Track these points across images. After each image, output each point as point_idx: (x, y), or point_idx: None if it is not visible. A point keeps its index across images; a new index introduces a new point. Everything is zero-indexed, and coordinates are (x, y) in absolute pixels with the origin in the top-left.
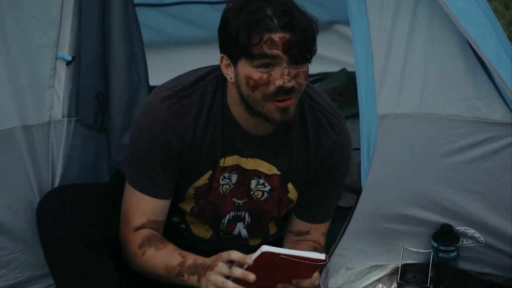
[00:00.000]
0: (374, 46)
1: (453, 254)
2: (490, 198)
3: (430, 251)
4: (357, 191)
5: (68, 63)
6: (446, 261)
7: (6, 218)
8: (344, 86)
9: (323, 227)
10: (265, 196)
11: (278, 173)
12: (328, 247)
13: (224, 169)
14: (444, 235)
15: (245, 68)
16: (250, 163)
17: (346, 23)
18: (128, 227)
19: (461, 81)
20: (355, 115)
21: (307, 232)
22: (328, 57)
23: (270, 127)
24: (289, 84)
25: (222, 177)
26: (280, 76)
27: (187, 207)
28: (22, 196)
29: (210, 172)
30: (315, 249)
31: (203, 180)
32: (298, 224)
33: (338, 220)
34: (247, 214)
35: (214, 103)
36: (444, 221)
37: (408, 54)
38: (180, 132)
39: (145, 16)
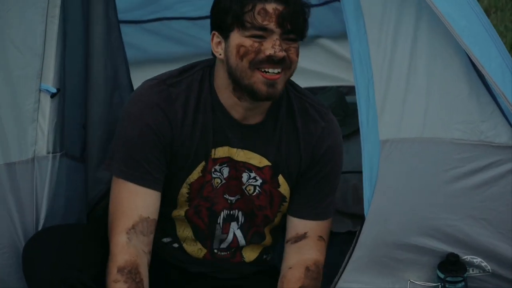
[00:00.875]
0: (374, 67)
1: (460, 285)
2: (497, 224)
3: (438, 284)
4: (352, 216)
5: (53, 96)
6: None
7: None
8: (334, 105)
9: (321, 227)
10: (257, 190)
11: (269, 164)
12: (330, 278)
13: (215, 161)
14: (451, 265)
15: (237, 38)
16: (240, 155)
17: (330, 37)
18: (118, 228)
19: (465, 103)
20: (348, 136)
21: (305, 235)
22: (312, 71)
23: (258, 116)
24: (280, 54)
25: (213, 170)
26: (272, 46)
27: (181, 212)
28: (6, 239)
29: (203, 164)
30: (307, 271)
31: (196, 173)
32: (295, 226)
33: (334, 246)
34: (240, 213)
35: (203, 91)
36: (450, 249)
37: (410, 76)
38: (170, 117)
39: (124, 33)
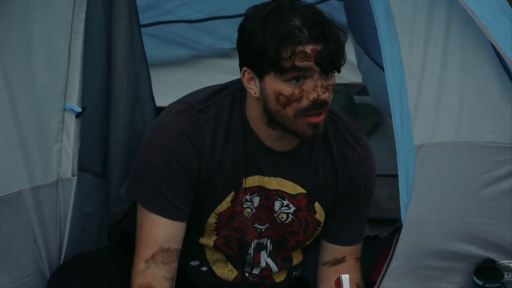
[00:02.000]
0: (406, 72)
1: None
2: None
3: None
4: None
5: (78, 115)
6: None
7: None
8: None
9: (357, 249)
10: (290, 218)
11: (304, 191)
12: None
13: (246, 190)
14: (487, 271)
15: (274, 83)
16: (273, 183)
17: None
18: (138, 257)
19: (498, 106)
20: None
21: (343, 259)
22: None
23: (292, 143)
24: (324, 96)
25: (244, 200)
26: (313, 89)
27: (209, 241)
28: (32, 265)
29: (232, 194)
30: (358, 286)
31: (226, 203)
32: (332, 251)
33: None
34: (268, 242)
35: (233, 118)
36: (486, 254)
37: (442, 79)
38: (198, 146)
39: None
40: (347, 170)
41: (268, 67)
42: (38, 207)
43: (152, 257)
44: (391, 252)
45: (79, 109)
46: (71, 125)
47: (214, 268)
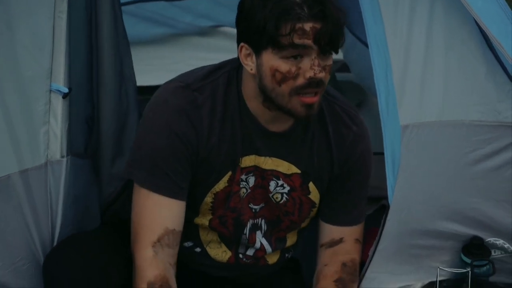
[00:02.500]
0: (391, 52)
1: (486, 268)
2: None
3: (468, 270)
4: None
5: (65, 96)
6: (479, 276)
7: (8, 276)
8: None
9: (357, 231)
10: (284, 198)
11: (298, 171)
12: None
13: (242, 170)
14: (475, 249)
15: (271, 59)
16: (268, 163)
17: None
18: (143, 241)
19: (483, 84)
20: None
21: (341, 240)
22: None
23: (287, 123)
24: (320, 75)
25: (240, 180)
26: (310, 67)
27: (204, 220)
28: (24, 250)
29: (229, 174)
30: (343, 266)
31: (223, 183)
32: (330, 232)
33: None
34: (263, 222)
35: (229, 97)
36: (473, 232)
37: (427, 59)
38: (196, 125)
39: None
40: (343, 149)
41: (266, 43)
42: (28, 191)
43: (159, 240)
44: (378, 233)
45: (66, 90)
46: (58, 106)
47: (208, 249)
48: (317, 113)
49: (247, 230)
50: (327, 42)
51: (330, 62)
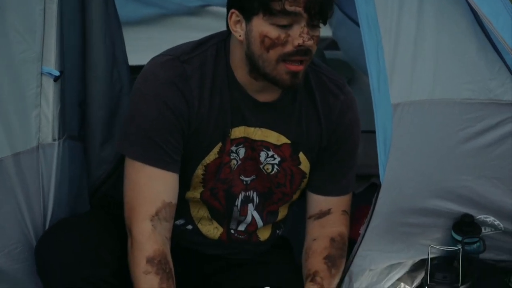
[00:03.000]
0: (382, 30)
1: (476, 245)
2: (508, 182)
3: (459, 248)
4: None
5: (56, 79)
6: (469, 254)
7: (0, 260)
8: None
9: (344, 202)
10: (275, 169)
11: (288, 141)
12: (350, 249)
13: (232, 141)
14: (466, 226)
15: (261, 25)
16: (257, 134)
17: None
18: (141, 215)
19: (474, 62)
20: None
21: (329, 211)
22: None
23: (275, 93)
24: (309, 43)
25: (231, 151)
26: (299, 35)
27: (196, 193)
28: (16, 233)
29: (220, 145)
30: (332, 241)
31: (213, 154)
32: (318, 203)
33: None
34: (254, 194)
35: (218, 68)
36: (464, 210)
37: (418, 37)
38: (186, 96)
39: None
40: (331, 118)
41: (257, 8)
42: (20, 174)
43: (157, 213)
44: (370, 212)
45: (57, 73)
46: (50, 89)
47: (199, 226)
48: (304, 83)
49: (238, 202)
50: (317, 11)
51: (318, 33)
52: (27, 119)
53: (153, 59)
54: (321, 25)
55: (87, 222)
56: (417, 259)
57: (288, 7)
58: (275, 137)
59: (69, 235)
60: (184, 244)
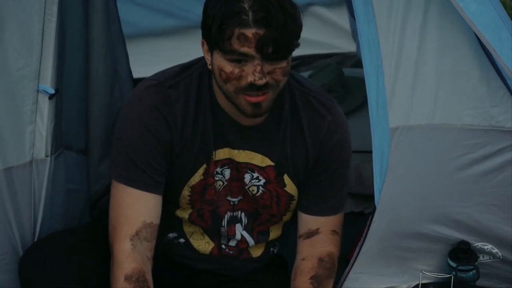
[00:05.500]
0: (383, 53)
1: (472, 273)
2: (507, 210)
3: (451, 276)
4: (354, 196)
5: (51, 97)
6: (465, 281)
7: None
8: (333, 82)
9: (334, 222)
10: (260, 190)
11: (272, 164)
12: (341, 271)
13: (217, 163)
14: (462, 253)
15: (218, 59)
16: (242, 156)
17: (323, 4)
18: (121, 234)
19: (476, 88)
20: (348, 114)
21: (317, 231)
22: (305, 39)
23: (260, 117)
24: (260, 82)
25: (215, 172)
26: (252, 73)
27: (185, 214)
28: (5, 244)
29: (204, 167)
30: (319, 262)
31: (198, 176)
32: (307, 222)
33: None
34: (243, 214)
35: (202, 92)
36: (461, 237)
37: (419, 62)
38: (169, 120)
39: None
40: (317, 139)
41: (212, 44)
42: (11, 188)
43: (137, 233)
44: (364, 234)
45: (52, 91)
46: (45, 106)
47: (191, 240)
48: (290, 105)
49: (225, 223)
50: (272, 50)
51: (282, 65)
52: (21, 135)
53: (140, 83)
54: (344, 38)
55: (76, 236)
56: (412, 284)
57: (237, 47)
58: (260, 159)
59: (53, 250)
60: (176, 258)
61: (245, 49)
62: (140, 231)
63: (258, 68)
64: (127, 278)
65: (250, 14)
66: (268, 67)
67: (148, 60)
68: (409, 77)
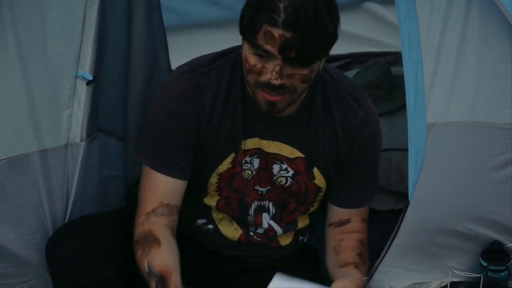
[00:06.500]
0: (424, 49)
1: (503, 273)
2: None
3: (481, 275)
4: (394, 194)
5: (89, 83)
6: (496, 282)
7: (20, 247)
8: (379, 79)
9: (363, 211)
10: (289, 182)
11: (302, 155)
12: (371, 263)
13: (246, 152)
14: (494, 254)
15: (245, 50)
16: (271, 146)
17: (377, 1)
18: (140, 211)
19: None
20: (393, 112)
21: (348, 221)
22: (358, 36)
23: (290, 109)
24: (275, 82)
25: (244, 161)
26: (271, 71)
27: (212, 201)
28: (36, 225)
29: (233, 155)
30: (360, 242)
31: (226, 164)
32: (337, 213)
33: (375, 225)
34: (270, 204)
35: (233, 81)
36: (494, 236)
37: (460, 59)
38: (197, 108)
39: None
40: (349, 134)
41: (242, 33)
42: (45, 170)
43: (153, 210)
44: (395, 229)
45: (90, 77)
46: (82, 92)
47: (220, 226)
48: (322, 99)
49: (251, 211)
50: (295, 55)
51: (303, 71)
52: (58, 118)
53: (175, 69)
54: (398, 37)
55: (105, 220)
56: (443, 282)
57: (261, 43)
58: (289, 151)
59: (80, 232)
60: (205, 244)
61: (269, 47)
62: (156, 209)
63: (277, 68)
64: (135, 243)
65: (282, 14)
66: (288, 70)
67: (192, 52)
68: (448, 74)
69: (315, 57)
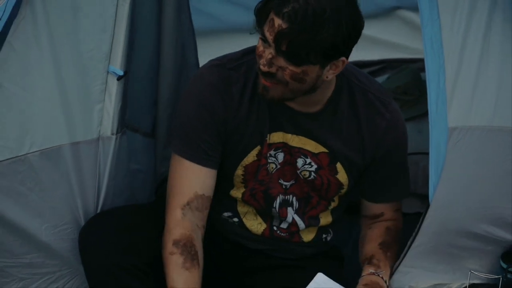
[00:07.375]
0: (446, 53)
1: None
2: None
3: (500, 277)
4: (421, 197)
5: (119, 78)
6: None
7: (51, 237)
8: (408, 84)
9: (396, 204)
10: (312, 175)
11: (326, 150)
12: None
13: (271, 146)
14: None
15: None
16: (295, 140)
17: (410, 8)
18: (173, 203)
19: None
20: (421, 116)
21: (381, 214)
22: (391, 42)
23: (314, 105)
24: (263, 68)
25: (268, 155)
26: (264, 56)
27: (238, 193)
28: (68, 215)
29: (258, 148)
30: (386, 229)
31: (252, 156)
32: (371, 208)
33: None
34: (294, 199)
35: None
36: None
37: (482, 63)
38: (226, 99)
39: (199, 1)
40: (375, 136)
41: (255, 15)
42: (77, 162)
43: (188, 203)
44: (416, 229)
45: (121, 73)
46: (113, 87)
47: (244, 220)
48: (348, 99)
49: (276, 204)
50: (285, 48)
51: (293, 68)
52: (90, 112)
53: (206, 63)
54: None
55: (135, 212)
56: (463, 283)
57: (265, 29)
58: (313, 146)
59: (112, 223)
60: (230, 237)
61: (267, 34)
62: (192, 201)
63: (269, 56)
64: (175, 243)
65: (288, 7)
66: (281, 62)
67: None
68: (470, 78)
69: (305, 57)
